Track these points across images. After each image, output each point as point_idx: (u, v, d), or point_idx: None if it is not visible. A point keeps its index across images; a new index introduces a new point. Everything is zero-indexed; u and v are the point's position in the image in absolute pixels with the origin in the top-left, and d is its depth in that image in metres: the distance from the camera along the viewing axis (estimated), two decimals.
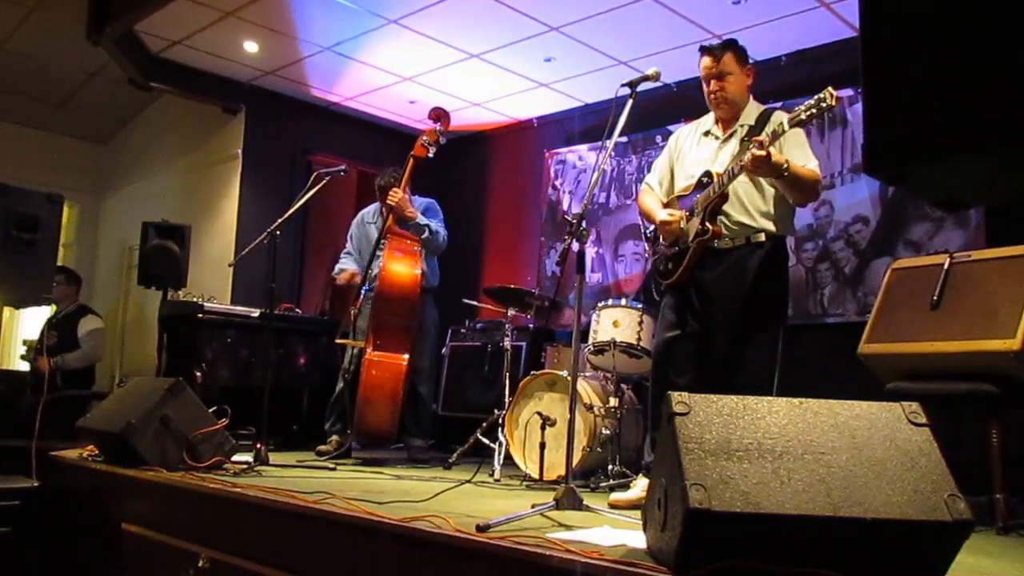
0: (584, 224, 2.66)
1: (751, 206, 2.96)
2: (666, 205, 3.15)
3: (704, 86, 3.07)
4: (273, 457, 3.60)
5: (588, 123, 6.02)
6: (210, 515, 2.71)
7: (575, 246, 2.66)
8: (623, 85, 2.85)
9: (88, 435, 3.55)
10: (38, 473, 3.62)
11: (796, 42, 4.80)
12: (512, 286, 4.45)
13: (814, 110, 2.59)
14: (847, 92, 4.61)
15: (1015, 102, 1.06)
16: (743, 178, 2.89)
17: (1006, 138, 1.08)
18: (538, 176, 6.34)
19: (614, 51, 5.14)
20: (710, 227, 2.90)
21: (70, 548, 3.42)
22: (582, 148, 6.08)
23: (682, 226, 3.01)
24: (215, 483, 2.78)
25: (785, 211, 3.00)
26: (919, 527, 1.51)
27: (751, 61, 3.13)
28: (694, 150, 3.14)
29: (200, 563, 2.59)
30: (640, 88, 2.85)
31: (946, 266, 3.04)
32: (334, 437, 4.40)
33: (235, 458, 3.32)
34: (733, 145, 3.00)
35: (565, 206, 6.09)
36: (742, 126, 3.02)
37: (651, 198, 3.22)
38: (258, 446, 3.53)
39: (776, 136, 2.71)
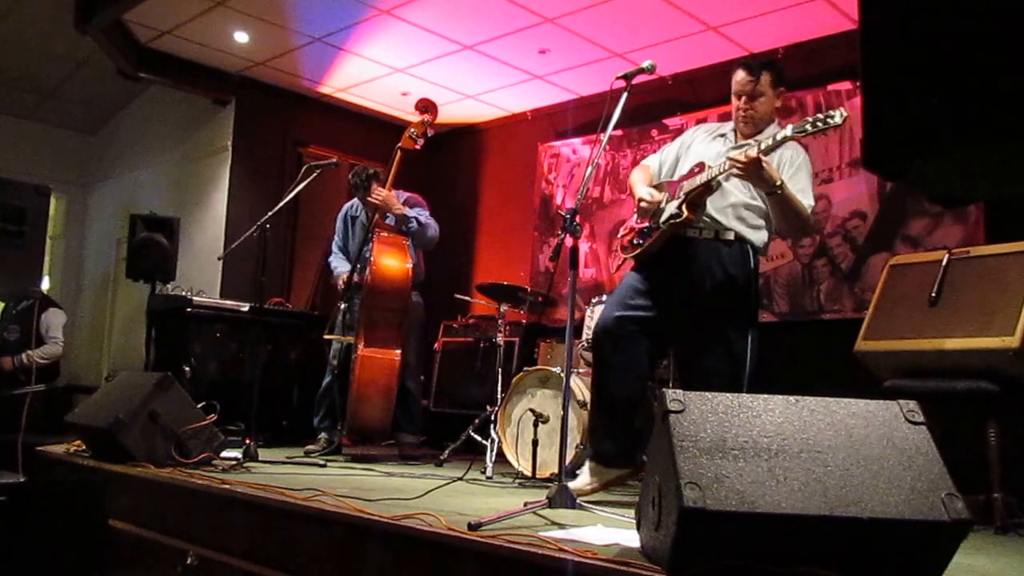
0: (578, 219, 2.63)
1: (730, 205, 2.92)
2: (655, 188, 3.12)
3: (733, 99, 3.00)
4: (262, 453, 3.58)
5: (582, 116, 5.98)
6: (199, 512, 2.69)
7: (568, 241, 2.63)
8: (618, 78, 2.83)
9: (75, 430, 3.51)
10: (24, 468, 3.59)
11: (794, 34, 4.77)
12: (505, 283, 4.42)
13: (820, 125, 2.54)
14: (845, 86, 4.58)
15: (1016, 96, 1.03)
16: (738, 181, 2.84)
17: (1007, 133, 1.05)
18: (531, 170, 6.30)
19: (609, 43, 5.10)
20: (685, 212, 2.86)
21: (56, 544, 3.39)
22: (576, 141, 6.04)
23: (661, 206, 2.98)
24: (203, 479, 2.75)
25: (765, 228, 2.97)
26: (916, 526, 1.49)
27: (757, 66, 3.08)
28: (703, 146, 3.10)
29: (188, 560, 2.57)
30: (635, 81, 2.82)
31: (944, 262, 3.02)
32: (322, 435, 4.36)
33: (224, 454, 3.30)
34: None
35: (559, 200, 6.06)
36: (758, 141, 2.98)
37: (641, 175, 3.19)
38: (247, 442, 3.51)
39: (778, 143, 2.67)
